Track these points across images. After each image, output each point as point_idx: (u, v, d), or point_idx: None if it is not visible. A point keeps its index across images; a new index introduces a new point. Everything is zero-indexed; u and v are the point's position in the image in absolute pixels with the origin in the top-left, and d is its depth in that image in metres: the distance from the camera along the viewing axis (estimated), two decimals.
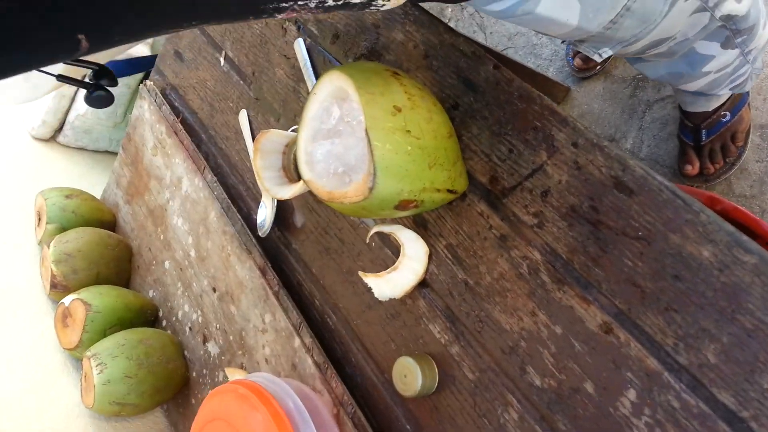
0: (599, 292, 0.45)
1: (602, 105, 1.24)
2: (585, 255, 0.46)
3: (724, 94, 0.96)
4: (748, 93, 1.03)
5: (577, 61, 1.21)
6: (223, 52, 0.83)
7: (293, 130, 0.70)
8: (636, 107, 1.19)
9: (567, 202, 0.47)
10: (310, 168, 0.53)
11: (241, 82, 0.80)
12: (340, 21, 0.68)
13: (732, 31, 0.67)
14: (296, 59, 0.72)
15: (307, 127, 0.53)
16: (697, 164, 1.05)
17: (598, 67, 1.20)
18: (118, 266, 0.92)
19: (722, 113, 1.00)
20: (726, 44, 0.70)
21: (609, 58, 1.13)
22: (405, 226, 0.58)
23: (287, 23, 0.74)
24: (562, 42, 1.27)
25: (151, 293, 0.89)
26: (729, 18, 0.64)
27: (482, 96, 0.54)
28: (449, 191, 0.52)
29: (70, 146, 1.17)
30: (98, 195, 1.04)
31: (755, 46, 0.74)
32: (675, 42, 0.63)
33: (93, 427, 0.80)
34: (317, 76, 0.69)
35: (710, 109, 1.00)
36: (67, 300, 0.84)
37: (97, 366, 0.75)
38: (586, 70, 1.21)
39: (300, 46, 0.72)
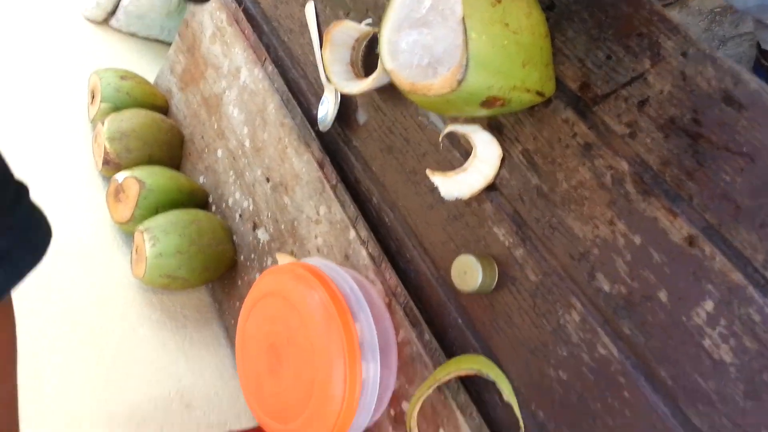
0: (689, 206, 0.41)
1: None
2: (679, 168, 0.42)
3: None
4: None
5: None
6: None
7: (366, 24, 0.64)
8: (709, 43, 1.10)
9: (667, 113, 0.43)
10: (393, 58, 0.48)
11: None
12: None
13: None
14: None
15: (394, 14, 0.48)
16: None
17: None
18: (171, 150, 0.88)
19: None
20: None
21: None
22: (481, 127, 0.54)
23: None
24: None
25: (201, 179, 0.86)
26: None
27: None
28: (538, 93, 0.47)
29: (121, 31, 1.09)
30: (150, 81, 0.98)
31: None
32: None
33: (141, 298, 0.78)
34: None
35: None
36: (120, 176, 0.80)
37: (150, 239, 0.73)
38: None
39: None
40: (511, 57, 0.44)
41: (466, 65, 0.42)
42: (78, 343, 0.70)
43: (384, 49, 0.49)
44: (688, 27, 0.43)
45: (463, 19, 0.42)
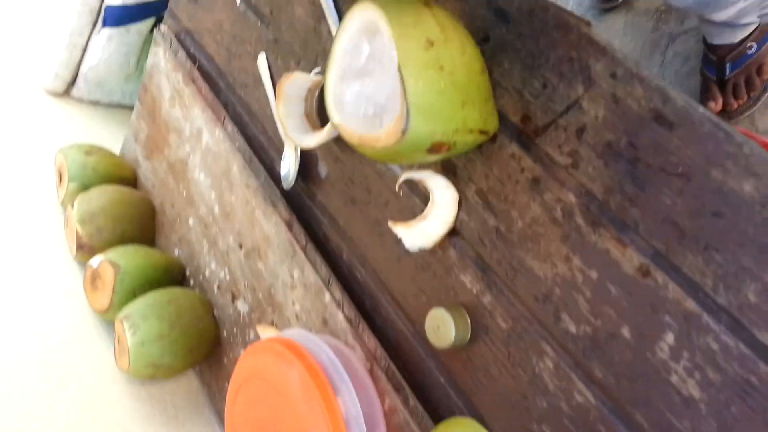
0: (636, 233, 0.48)
1: (624, 40, 1.25)
2: (621, 194, 0.49)
3: (752, 24, 0.97)
4: None
5: None
6: None
7: (316, 73, 0.74)
8: (658, 41, 1.20)
9: (603, 138, 0.50)
10: (339, 110, 0.56)
11: (259, 22, 0.83)
12: None
13: None
14: None
15: (335, 66, 0.56)
16: (720, 100, 1.07)
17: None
18: (142, 224, 1.00)
19: (748, 45, 1.01)
20: None
21: None
22: (434, 172, 0.62)
23: None
24: None
25: (176, 252, 0.97)
26: None
27: (515, 27, 0.56)
28: (481, 132, 0.55)
29: (83, 100, 1.24)
30: (116, 151, 1.11)
31: None
32: None
33: (129, 392, 0.88)
34: (339, 11, 0.72)
35: (736, 41, 1.01)
36: (95, 261, 0.92)
37: (130, 328, 0.83)
38: (610, 0, 1.23)
39: None
40: (450, 99, 0.52)
41: (407, 114, 0.50)
42: None
43: (330, 102, 0.57)
44: (615, 48, 0.50)
45: (399, 67, 0.50)
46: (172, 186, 0.97)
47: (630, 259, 0.48)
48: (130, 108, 1.25)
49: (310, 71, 0.75)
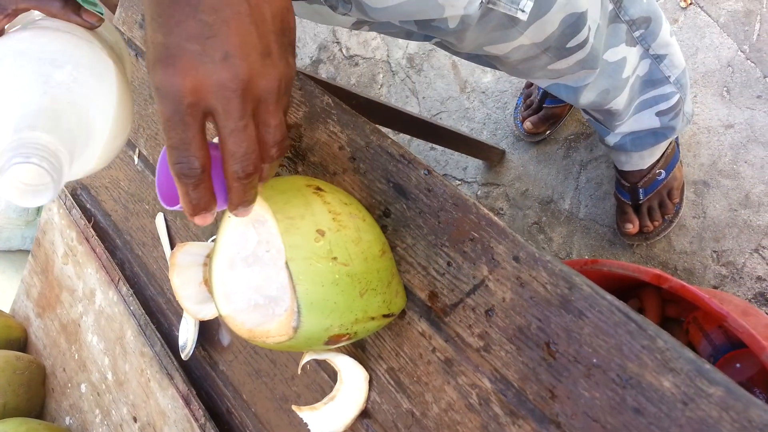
0: (557, 428, 0.40)
1: (537, 167, 1.24)
2: (538, 384, 0.41)
3: (657, 151, 0.98)
4: (679, 150, 1.04)
5: (527, 125, 1.20)
6: (137, 150, 0.77)
7: (213, 240, 0.64)
8: (570, 168, 1.20)
9: (513, 322, 0.43)
10: (228, 300, 0.46)
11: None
12: None
13: (627, 23, 0.69)
14: None
15: (221, 253, 0.47)
16: (637, 222, 1.05)
17: (548, 132, 1.20)
18: (30, 391, 0.82)
19: (657, 171, 1.02)
20: (629, 41, 0.71)
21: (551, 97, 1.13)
22: (340, 350, 0.52)
23: None
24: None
25: (68, 420, 0.79)
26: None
27: (414, 203, 0.50)
28: (385, 316, 0.46)
29: None
30: (11, 301, 0.93)
31: (666, 53, 0.76)
32: (589, 32, 0.63)
33: None
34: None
35: (645, 167, 1.01)
36: None
37: None
38: (537, 134, 1.21)
39: None
40: (346, 291, 0.43)
41: (298, 311, 0.41)
42: None
43: (217, 291, 0.47)
44: (514, 232, 0.44)
45: (286, 262, 0.42)
46: (64, 348, 0.80)
47: None
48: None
49: (209, 237, 0.65)
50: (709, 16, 1.09)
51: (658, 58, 0.77)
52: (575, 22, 0.60)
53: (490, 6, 0.54)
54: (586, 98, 0.76)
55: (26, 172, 0.33)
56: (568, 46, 0.63)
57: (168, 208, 0.52)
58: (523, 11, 0.55)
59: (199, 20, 0.30)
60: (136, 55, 0.77)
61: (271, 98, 0.33)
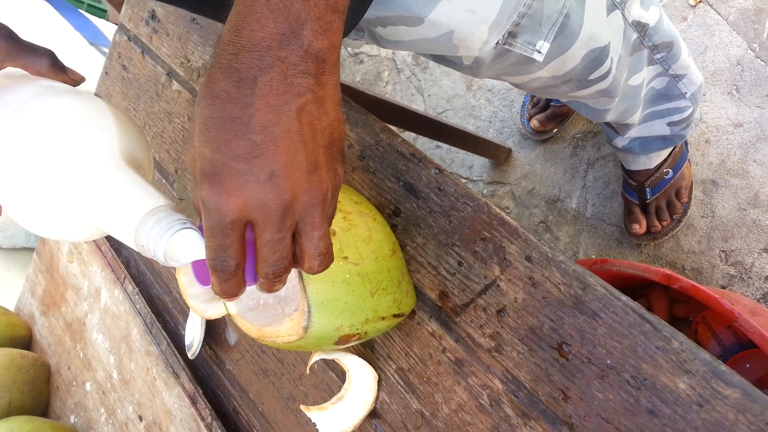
0: (570, 429, 0.40)
1: (544, 165, 1.24)
2: (550, 385, 0.41)
3: (665, 150, 0.97)
4: (687, 149, 1.04)
5: (534, 123, 1.19)
6: None
7: None
8: (577, 166, 1.19)
9: (526, 323, 0.43)
10: (236, 300, 0.46)
11: (163, 180, 0.73)
12: None
13: (649, 48, 0.68)
14: None
15: None
16: (644, 222, 1.05)
17: (555, 130, 1.19)
18: (35, 389, 0.82)
19: (665, 170, 1.01)
20: (650, 62, 0.71)
21: (562, 109, 1.13)
22: (349, 350, 0.52)
23: None
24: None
25: (72, 419, 0.79)
26: (640, 26, 0.64)
27: (425, 202, 0.50)
28: (395, 316, 0.46)
29: None
30: (16, 298, 0.93)
31: (685, 73, 0.76)
32: (612, 64, 0.62)
33: None
34: None
35: (652, 167, 1.01)
36: None
37: None
38: (543, 132, 1.20)
39: None
40: (356, 290, 0.43)
41: (309, 311, 0.41)
42: None
43: None
44: (528, 231, 0.44)
45: None
46: (69, 346, 0.80)
47: None
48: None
49: None
50: (719, 14, 1.08)
51: (677, 77, 0.76)
52: (598, 57, 0.59)
53: (506, 47, 0.54)
54: (606, 118, 0.76)
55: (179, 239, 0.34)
56: (590, 78, 0.63)
57: (202, 287, 0.51)
58: (539, 52, 0.54)
59: (248, 139, 0.30)
60: (142, 52, 0.77)
61: (317, 212, 0.33)
